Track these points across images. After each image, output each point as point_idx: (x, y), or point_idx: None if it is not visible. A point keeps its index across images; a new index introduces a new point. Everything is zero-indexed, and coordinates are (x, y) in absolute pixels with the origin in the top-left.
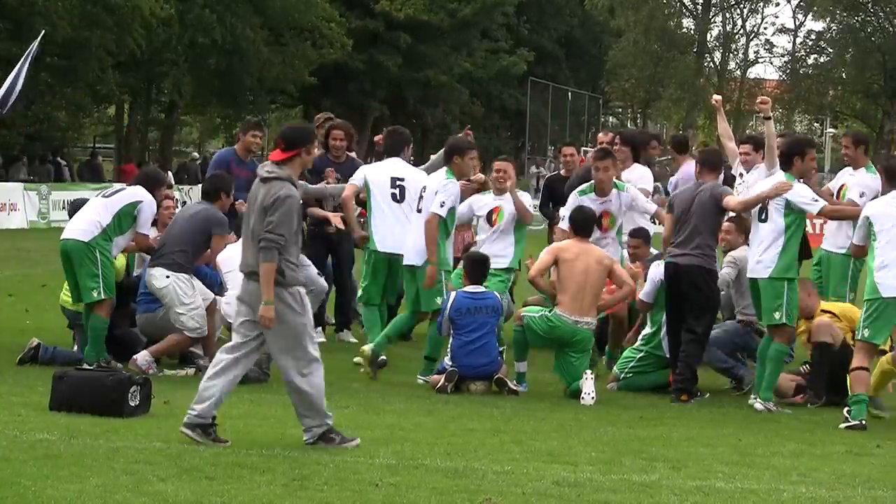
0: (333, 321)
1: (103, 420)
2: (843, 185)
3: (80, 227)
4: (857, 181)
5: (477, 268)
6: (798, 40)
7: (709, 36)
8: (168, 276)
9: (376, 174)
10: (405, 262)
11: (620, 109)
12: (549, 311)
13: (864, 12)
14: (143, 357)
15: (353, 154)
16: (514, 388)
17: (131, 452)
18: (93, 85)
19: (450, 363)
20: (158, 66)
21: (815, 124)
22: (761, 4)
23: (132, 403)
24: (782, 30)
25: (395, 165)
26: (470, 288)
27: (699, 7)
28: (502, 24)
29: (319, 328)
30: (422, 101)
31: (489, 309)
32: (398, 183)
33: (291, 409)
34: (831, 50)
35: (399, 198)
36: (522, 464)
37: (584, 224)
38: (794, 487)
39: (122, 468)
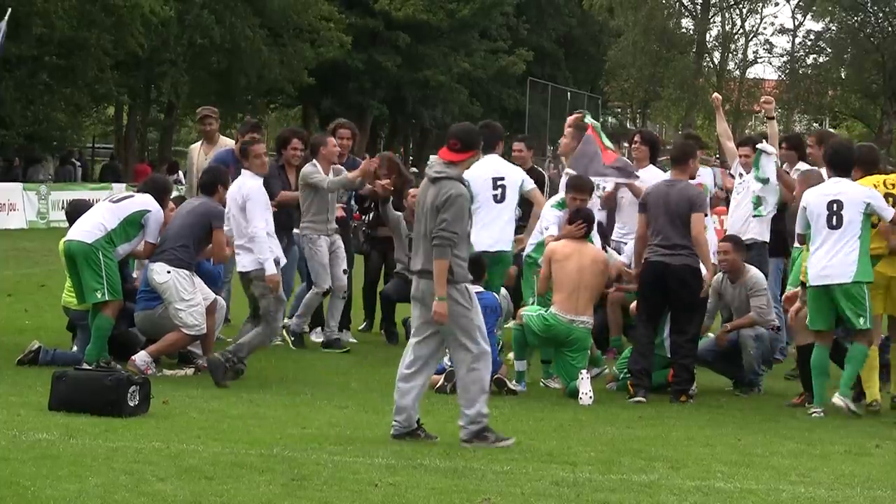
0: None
1: (102, 420)
2: None
3: (85, 229)
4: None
5: (474, 268)
6: (797, 40)
7: (708, 36)
8: (169, 272)
9: (476, 172)
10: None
11: (619, 109)
12: (546, 311)
13: (863, 12)
14: (141, 357)
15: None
16: (513, 387)
17: (130, 452)
18: (92, 85)
19: (449, 363)
20: (158, 67)
21: (815, 124)
22: (760, 5)
23: (131, 403)
24: (781, 30)
25: (494, 163)
26: None
27: (698, 7)
28: (501, 24)
29: (318, 328)
30: (421, 101)
31: (487, 308)
32: (499, 183)
33: (291, 410)
34: (830, 50)
35: (500, 198)
36: (521, 464)
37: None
38: (794, 487)
39: (121, 468)
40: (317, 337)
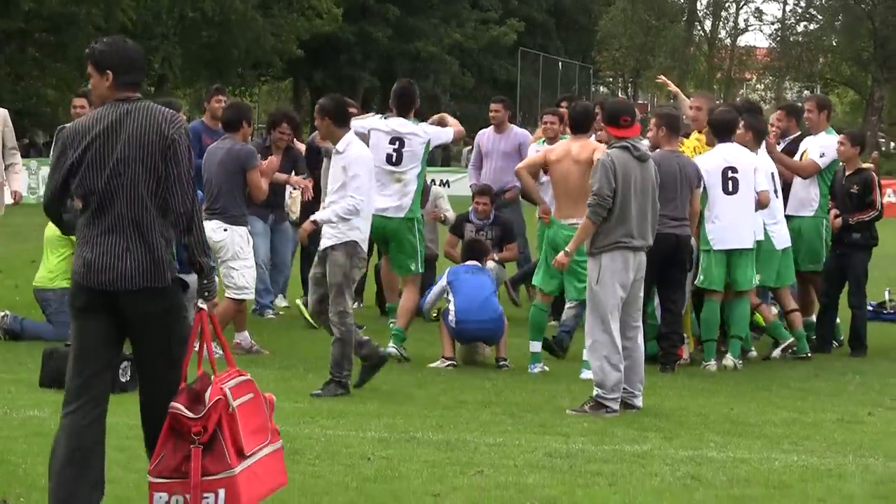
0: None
1: None
2: (805, 150)
3: None
4: (818, 142)
5: (475, 249)
6: (788, 8)
7: (699, 4)
8: (226, 230)
9: (707, 163)
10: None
11: (611, 79)
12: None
13: None
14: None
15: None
16: (505, 364)
17: (122, 429)
18: (81, 60)
19: (454, 324)
20: (149, 41)
21: (805, 91)
22: None
23: (123, 379)
24: None
25: (731, 151)
26: (468, 263)
27: None
28: None
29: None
30: (412, 73)
31: (485, 274)
32: (731, 175)
33: (282, 384)
34: (821, 17)
35: (732, 189)
36: (514, 436)
37: (581, 120)
38: (786, 456)
39: (113, 444)
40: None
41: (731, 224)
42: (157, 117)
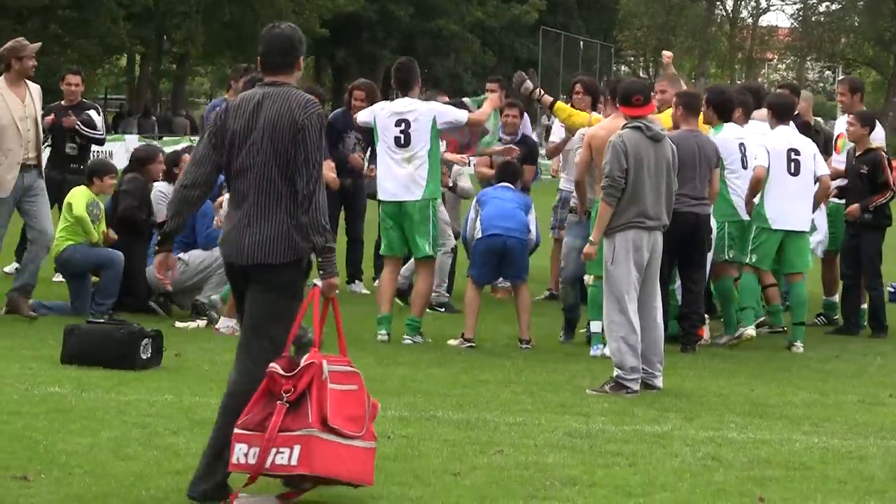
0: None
1: (115, 373)
2: (840, 134)
3: None
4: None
5: (507, 171)
6: None
7: None
8: None
9: (772, 143)
10: None
11: (632, 58)
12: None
13: None
14: (223, 324)
15: None
16: (528, 345)
17: (143, 406)
18: (104, 37)
19: (481, 235)
20: (171, 18)
21: (827, 72)
22: None
23: (144, 356)
24: None
25: (793, 133)
26: (500, 185)
27: None
28: None
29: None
30: (433, 51)
31: (515, 193)
32: (794, 157)
33: None
34: None
35: (795, 170)
36: (534, 415)
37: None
38: (807, 437)
39: (133, 421)
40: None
41: (792, 205)
42: (291, 103)
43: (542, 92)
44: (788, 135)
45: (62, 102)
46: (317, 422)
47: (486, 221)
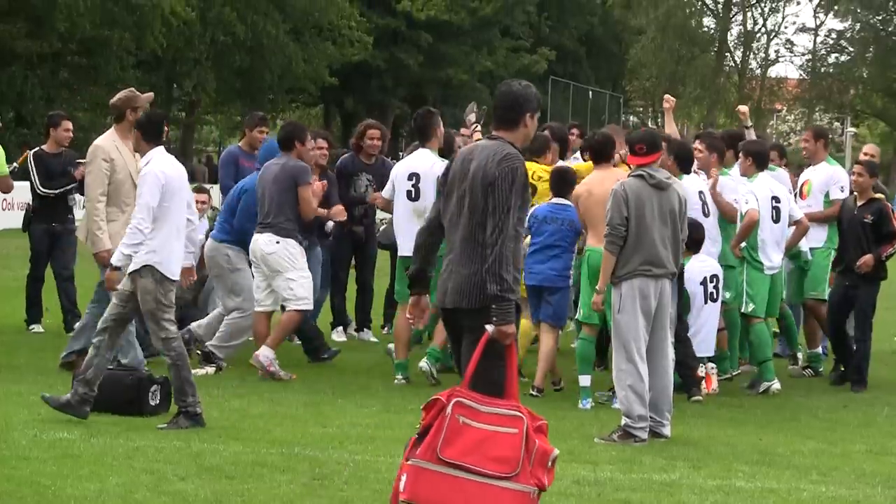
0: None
1: (123, 419)
2: (806, 181)
3: None
4: (828, 177)
5: (563, 180)
6: (819, 39)
7: (729, 35)
8: (278, 242)
9: (759, 191)
10: None
11: (641, 108)
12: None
13: (885, 11)
14: (263, 353)
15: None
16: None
17: (151, 451)
18: (113, 83)
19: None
20: (181, 66)
21: (836, 123)
22: (782, 3)
23: (152, 403)
24: (803, 28)
25: (771, 181)
26: (554, 200)
27: (720, 6)
28: (523, 21)
29: (340, 327)
30: (442, 100)
31: (568, 222)
32: (775, 204)
33: (311, 409)
34: (852, 49)
35: (776, 217)
36: None
37: (601, 149)
38: (815, 486)
39: (141, 467)
40: (338, 336)
41: (772, 250)
42: (490, 155)
43: (479, 129)
44: (769, 182)
45: (62, 150)
46: (426, 453)
47: (529, 267)
